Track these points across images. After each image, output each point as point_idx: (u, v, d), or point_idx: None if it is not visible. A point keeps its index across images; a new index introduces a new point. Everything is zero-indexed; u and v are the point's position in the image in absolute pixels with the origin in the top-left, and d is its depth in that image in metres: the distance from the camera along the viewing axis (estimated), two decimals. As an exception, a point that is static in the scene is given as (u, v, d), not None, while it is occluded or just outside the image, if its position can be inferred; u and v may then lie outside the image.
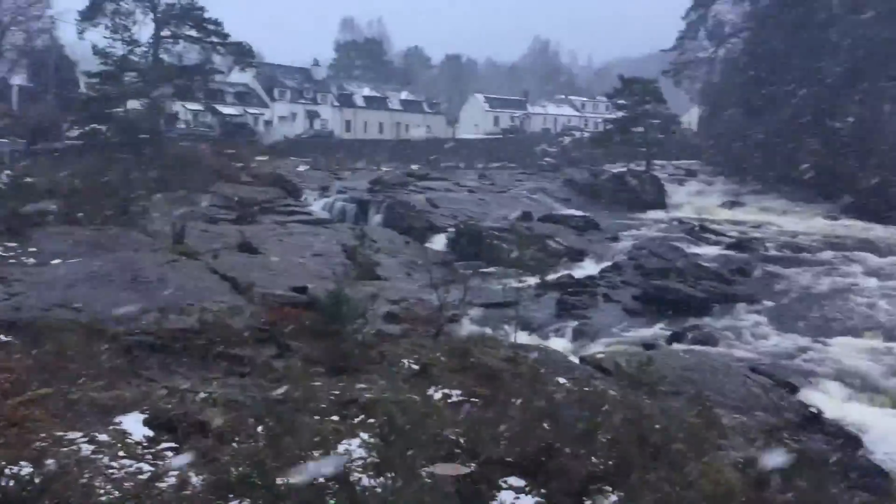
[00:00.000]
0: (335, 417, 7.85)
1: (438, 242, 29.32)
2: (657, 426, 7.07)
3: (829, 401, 12.87)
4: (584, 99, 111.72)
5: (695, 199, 49.44)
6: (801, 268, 25.71)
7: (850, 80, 44.32)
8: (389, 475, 6.06)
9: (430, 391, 8.94)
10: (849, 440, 10.84)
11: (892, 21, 42.56)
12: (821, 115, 45.71)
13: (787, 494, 5.93)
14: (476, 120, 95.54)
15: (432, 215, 33.16)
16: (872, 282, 23.46)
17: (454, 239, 28.54)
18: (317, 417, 7.66)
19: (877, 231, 36.09)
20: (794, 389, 12.73)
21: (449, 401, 8.61)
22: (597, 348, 15.89)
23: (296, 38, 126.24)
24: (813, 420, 10.88)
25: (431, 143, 75.48)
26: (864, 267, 25.92)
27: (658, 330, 17.75)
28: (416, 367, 10.33)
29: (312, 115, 78.42)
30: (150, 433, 7.49)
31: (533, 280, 19.29)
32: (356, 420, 7.81)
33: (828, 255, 28.50)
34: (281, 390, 8.63)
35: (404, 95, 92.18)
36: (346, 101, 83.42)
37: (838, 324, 18.46)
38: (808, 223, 39.29)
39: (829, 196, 43.58)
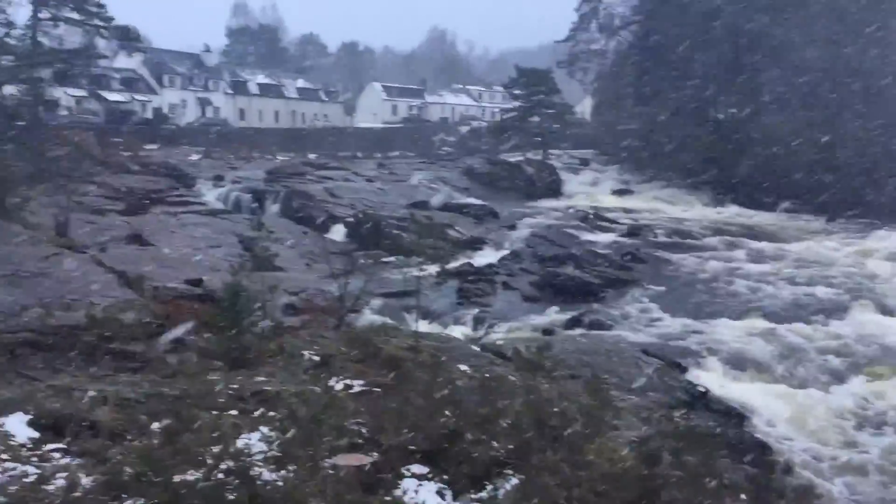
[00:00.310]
0: (234, 412, 7.69)
1: (338, 232, 29.08)
2: (556, 409, 7.24)
3: (715, 379, 13.51)
4: (482, 88, 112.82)
5: (589, 188, 50.80)
6: (688, 253, 26.81)
7: (731, 72, 46.33)
8: (291, 468, 5.99)
9: (332, 382, 8.87)
10: (734, 416, 11.40)
11: (769, 13, 44.69)
12: (704, 106, 47.67)
13: (677, 471, 6.19)
14: (374, 109, 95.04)
15: (331, 205, 32.85)
16: (754, 266, 24.70)
17: (354, 228, 28.38)
18: (215, 412, 7.48)
19: (757, 218, 38.06)
20: (683, 370, 13.29)
21: (351, 391, 8.57)
22: (497, 335, 16.16)
23: (186, 23, 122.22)
24: (701, 398, 11.38)
25: (329, 131, 74.61)
26: (746, 252, 27.24)
27: (555, 315, 18.16)
28: (316, 358, 10.23)
29: (204, 103, 76.21)
30: (36, 434, 7.13)
31: (433, 268, 19.36)
32: (256, 414, 7.67)
33: (713, 241, 29.80)
34: (176, 386, 8.39)
35: (300, 83, 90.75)
36: (239, 88, 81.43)
37: (723, 306, 19.35)
38: (694, 211, 41.03)
39: (713, 185, 45.54)
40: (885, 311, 19.06)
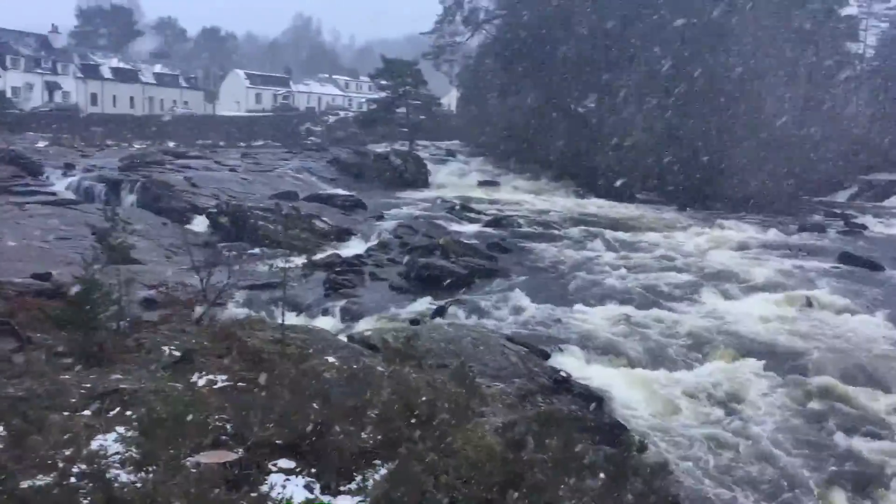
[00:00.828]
0: (87, 412, 7.30)
1: (200, 224, 28.15)
2: (424, 398, 7.30)
3: (576, 364, 14.05)
4: (348, 78, 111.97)
5: (456, 179, 51.50)
6: (550, 243, 27.70)
7: (590, 68, 48.10)
8: (150, 469, 5.76)
9: (194, 378, 8.58)
10: (593, 399, 11.88)
11: (623, 12, 46.67)
12: (565, 100, 49.29)
13: (541, 454, 6.38)
14: (237, 97, 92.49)
15: (192, 195, 31.77)
16: (612, 255, 25.82)
17: (217, 219, 27.53)
18: (66, 413, 7.08)
19: (616, 209, 39.80)
20: (546, 356, 13.73)
21: (214, 387, 8.33)
22: (365, 326, 16.13)
23: (31, 1, 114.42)
24: (563, 383, 11.79)
25: (189, 119, 71.99)
26: (604, 241, 28.42)
27: (423, 305, 18.32)
28: (177, 353, 9.86)
29: (52, 87, 71.79)
30: None
31: (300, 260, 19.12)
32: (112, 413, 7.31)
33: (574, 231, 30.91)
34: (22, 387, 7.87)
35: (158, 68, 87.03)
36: (91, 72, 77.13)
37: (583, 294, 20.11)
38: (557, 202, 42.39)
39: (574, 177, 47.24)
40: (728, 296, 20.39)
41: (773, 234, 33.00)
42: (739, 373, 14.40)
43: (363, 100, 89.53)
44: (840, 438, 11.80)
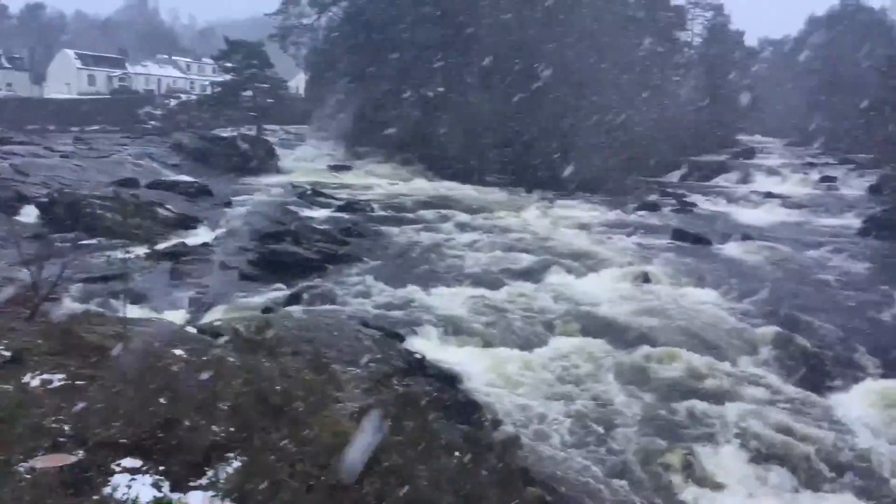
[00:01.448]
0: None
1: (29, 214, 26.22)
2: (277, 387, 7.16)
3: (431, 346, 14.21)
4: (190, 60, 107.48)
5: (306, 164, 50.69)
6: (403, 227, 27.83)
7: (439, 52, 48.49)
8: (-22, 479, 5.33)
9: (26, 378, 8.00)
10: (448, 379, 12.02)
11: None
12: (415, 84, 49.49)
13: (397, 436, 6.42)
14: (67, 78, 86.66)
15: (19, 184, 29.59)
16: (464, 236, 26.27)
17: (48, 209, 25.74)
18: None
19: (466, 191, 40.44)
20: (401, 339, 13.77)
21: (50, 387, 7.79)
22: (214, 316, 15.58)
23: None
24: (418, 365, 11.86)
25: (13, 102, 66.90)
26: (456, 224, 28.88)
27: (275, 293, 17.95)
28: (7, 353, 9.15)
29: None
30: None
31: (142, 250, 18.24)
32: (-68, 422, 6.70)
33: (427, 214, 31.22)
34: None
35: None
36: None
37: (437, 275, 20.37)
38: (409, 185, 42.59)
39: (426, 160, 47.59)
40: (574, 273, 21.24)
41: (613, 214, 34.68)
42: (586, 346, 15.05)
43: (207, 83, 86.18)
44: (678, 403, 12.57)
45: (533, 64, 45.54)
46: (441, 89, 48.61)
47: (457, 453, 6.42)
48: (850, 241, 28.73)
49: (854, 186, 47.09)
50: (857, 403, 13.06)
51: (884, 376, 14.75)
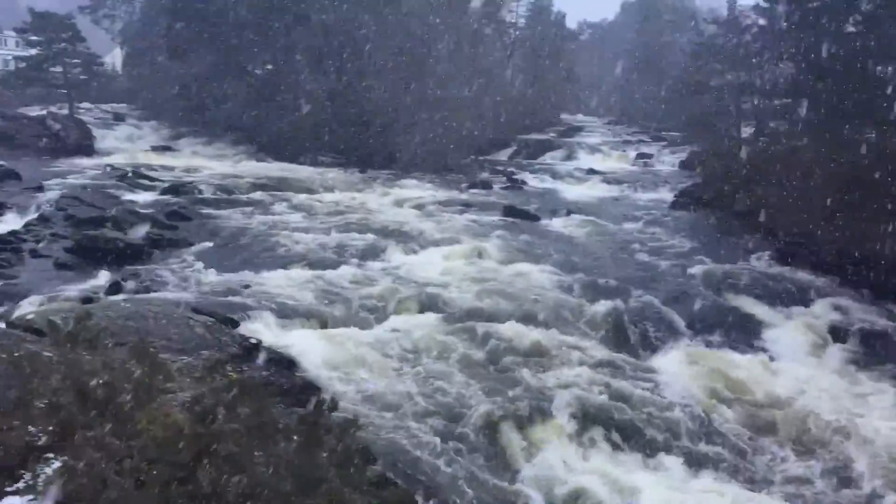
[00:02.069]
0: None
1: None
2: (100, 381, 6.73)
3: (267, 330, 13.90)
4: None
5: (126, 144, 48.03)
6: (234, 209, 26.99)
7: (265, 29, 47.20)
8: None
9: None
10: (287, 363, 11.85)
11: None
12: (242, 61, 47.96)
13: (233, 424, 6.23)
14: None
15: None
16: (298, 218, 25.85)
17: None
18: None
19: (300, 172, 39.71)
20: (235, 324, 13.39)
21: None
22: (28, 309, 14.44)
23: None
24: (254, 350, 11.59)
25: None
26: (290, 204, 28.36)
27: (96, 282, 16.90)
28: None
29: None
30: None
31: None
32: None
33: (258, 195, 30.40)
34: None
35: None
36: None
37: (271, 258, 19.93)
38: (238, 167, 41.27)
39: (255, 140, 46.31)
40: (410, 252, 21.48)
41: (447, 193, 35.27)
42: (423, 323, 15.28)
43: (9, 57, 79.32)
44: (513, 374, 13.06)
45: (365, 43, 45.30)
46: (270, 67, 47.37)
47: (295, 437, 6.32)
48: (664, 214, 30.78)
49: (667, 162, 50.42)
50: (672, 366, 14.05)
51: (695, 339, 16.01)
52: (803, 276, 20.23)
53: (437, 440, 10.46)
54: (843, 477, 10.72)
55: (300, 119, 44.80)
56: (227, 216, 25.49)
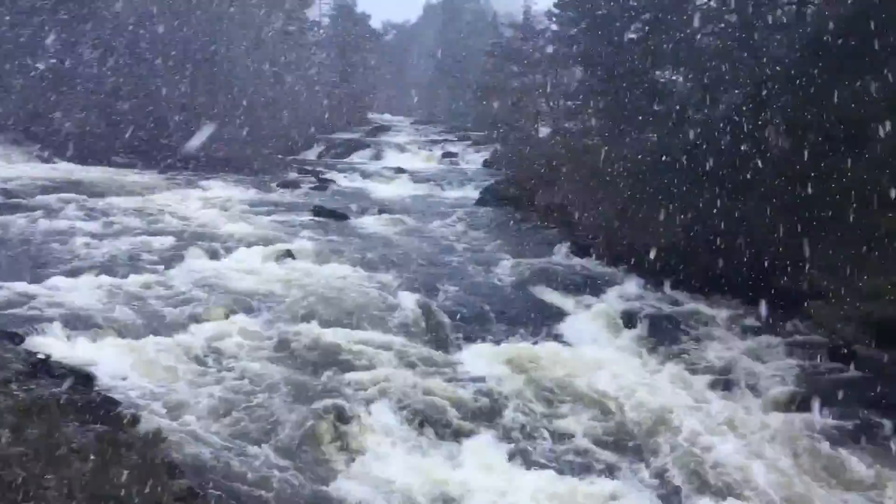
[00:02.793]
0: None
1: None
2: None
3: (58, 343, 12.85)
4: None
5: None
6: (15, 214, 24.62)
7: (48, 21, 43.80)
8: None
9: None
10: (81, 378, 11.03)
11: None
12: (23, 54, 44.16)
13: (19, 447, 5.72)
14: None
15: None
16: (91, 222, 24.12)
17: None
18: None
19: (92, 173, 36.97)
20: (19, 339, 12.30)
21: None
22: None
23: None
24: (42, 366, 10.70)
25: None
26: (81, 208, 26.38)
27: None
28: None
29: None
30: None
31: None
32: None
33: (45, 199, 27.97)
34: None
35: None
36: None
37: (61, 266, 18.49)
38: (20, 168, 37.73)
39: (40, 140, 42.73)
40: (216, 255, 20.70)
41: (253, 193, 34.38)
42: (231, 328, 14.79)
43: None
44: (327, 375, 12.95)
45: (162, 39, 43.12)
46: (54, 61, 43.91)
47: (92, 456, 5.90)
48: (470, 211, 31.77)
49: (471, 161, 52.01)
50: (484, 362, 14.52)
51: (502, 331, 16.68)
52: (598, 267, 21.63)
53: (250, 448, 10.17)
54: (626, 445, 11.64)
55: (91, 117, 41.91)
56: (6, 222, 23.26)
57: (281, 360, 13.54)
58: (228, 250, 21.31)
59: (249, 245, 21.95)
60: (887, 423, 12.03)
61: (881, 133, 13.85)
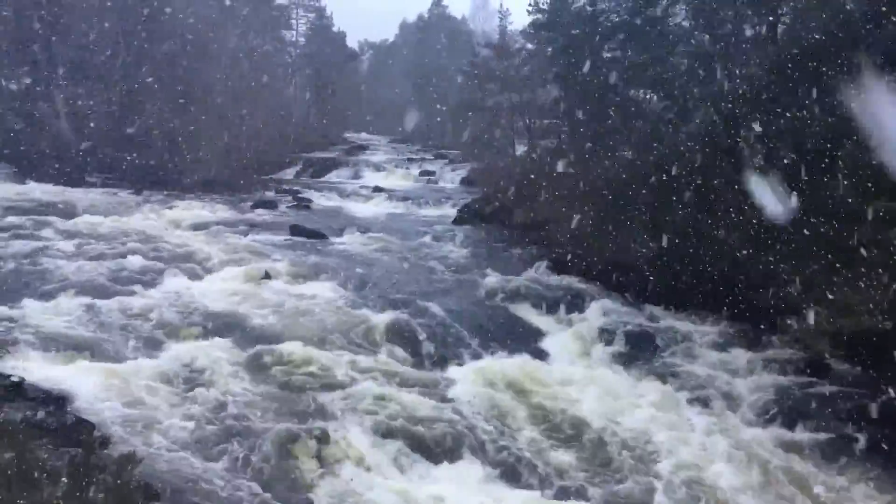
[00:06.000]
0: None
1: None
2: None
3: (32, 366, 12.70)
4: None
5: None
6: (-11, 236, 24.38)
7: (22, 42, 43.51)
8: None
9: None
10: (55, 401, 10.93)
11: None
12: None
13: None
14: None
15: None
16: (66, 244, 23.78)
17: None
18: None
19: (66, 194, 36.51)
20: (-8, 363, 12.16)
21: None
22: None
23: None
24: (16, 389, 10.59)
25: None
26: (57, 230, 26.06)
27: None
28: None
29: None
30: None
31: None
32: None
33: (18, 220, 27.60)
34: None
35: None
36: None
37: (35, 289, 18.25)
38: (-9, 189, 37.32)
39: (11, 160, 42.33)
40: (192, 276, 20.54)
41: (231, 213, 34.16)
42: (209, 350, 14.63)
43: None
44: (305, 395, 12.90)
45: (138, 58, 43.00)
46: (28, 81, 43.59)
47: (64, 479, 5.84)
48: (448, 229, 31.77)
49: (449, 179, 52.12)
50: (462, 380, 14.49)
51: (479, 348, 16.69)
52: (575, 284, 21.67)
53: (227, 468, 10.11)
54: (604, 464, 11.67)
55: (67, 138, 41.59)
56: (-23, 245, 22.94)
57: (257, 381, 13.46)
58: (205, 271, 21.18)
59: (226, 265, 21.84)
60: (861, 437, 12.19)
61: (848, 147, 14.13)
